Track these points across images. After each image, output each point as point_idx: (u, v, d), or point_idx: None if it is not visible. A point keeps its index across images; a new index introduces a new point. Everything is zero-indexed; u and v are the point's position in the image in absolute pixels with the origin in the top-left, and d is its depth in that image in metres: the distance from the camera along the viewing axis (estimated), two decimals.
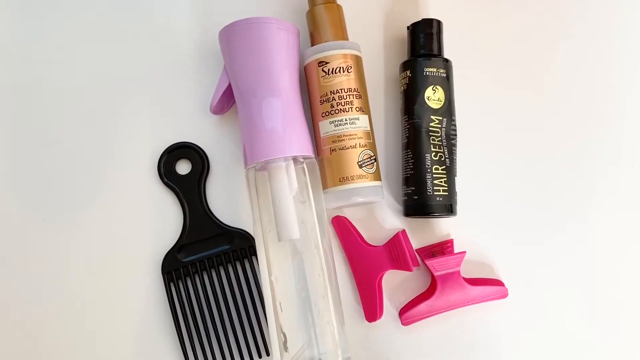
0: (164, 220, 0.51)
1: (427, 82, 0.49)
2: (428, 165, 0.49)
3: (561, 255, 0.52)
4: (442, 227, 0.52)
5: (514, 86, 0.55)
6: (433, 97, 0.49)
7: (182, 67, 0.54)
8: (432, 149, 0.49)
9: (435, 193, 0.48)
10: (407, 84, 0.50)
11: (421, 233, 0.52)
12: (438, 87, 0.49)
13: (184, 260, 0.50)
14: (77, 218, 0.52)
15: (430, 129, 0.49)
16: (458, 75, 0.52)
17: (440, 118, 0.49)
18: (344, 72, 0.49)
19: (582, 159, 0.54)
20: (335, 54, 0.49)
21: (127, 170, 0.52)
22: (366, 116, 0.49)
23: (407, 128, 0.50)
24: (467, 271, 0.51)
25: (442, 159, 0.49)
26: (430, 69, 0.49)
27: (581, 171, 0.54)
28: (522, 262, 0.52)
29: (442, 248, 0.51)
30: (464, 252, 0.49)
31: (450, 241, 0.51)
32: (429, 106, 0.49)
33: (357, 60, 0.50)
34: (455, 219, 0.52)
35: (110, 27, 0.54)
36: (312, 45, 0.51)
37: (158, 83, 0.53)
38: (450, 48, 0.52)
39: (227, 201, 0.52)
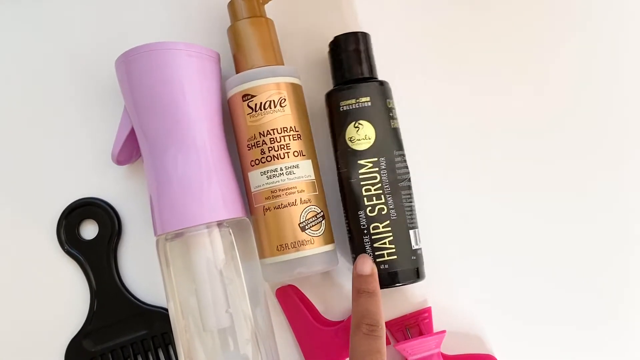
0: (67, 299, 0.43)
1: (345, 119, 0.38)
2: (363, 225, 0.38)
3: (562, 320, 0.43)
4: (417, 291, 0.42)
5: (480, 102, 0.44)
6: (357, 136, 0.38)
7: (80, 104, 0.44)
8: (367, 203, 0.38)
9: (377, 260, 0.37)
10: (328, 124, 0.40)
11: (391, 300, 0.42)
12: (362, 122, 0.38)
13: (92, 350, 0.42)
14: None
15: (361, 177, 0.38)
16: (408, 97, 0.42)
17: (375, 159, 0.38)
18: (275, 106, 0.38)
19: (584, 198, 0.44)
20: (265, 83, 0.38)
21: (20, 237, 0.44)
22: (309, 161, 0.38)
23: (340, 180, 0.40)
24: (449, 346, 0.41)
25: (384, 212, 0.38)
26: (347, 102, 0.38)
27: (586, 212, 0.44)
28: (518, 329, 0.43)
29: (418, 320, 0.41)
30: (444, 331, 0.40)
31: (428, 310, 0.42)
32: (353, 149, 0.38)
33: (295, 89, 0.39)
34: (431, 280, 0.41)
35: None
36: (237, 72, 0.39)
37: (51, 126, 0.44)
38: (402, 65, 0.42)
39: (145, 272, 0.44)
